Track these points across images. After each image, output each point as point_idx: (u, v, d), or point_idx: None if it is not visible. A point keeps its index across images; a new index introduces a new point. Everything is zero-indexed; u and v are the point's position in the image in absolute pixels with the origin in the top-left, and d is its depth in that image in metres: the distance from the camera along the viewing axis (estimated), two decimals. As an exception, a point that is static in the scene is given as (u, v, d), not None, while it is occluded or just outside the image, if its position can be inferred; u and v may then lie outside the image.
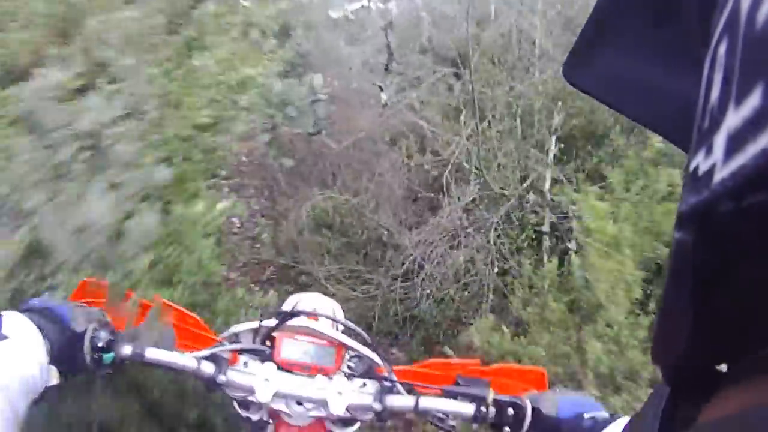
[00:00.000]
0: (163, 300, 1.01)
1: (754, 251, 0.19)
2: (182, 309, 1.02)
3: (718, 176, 0.19)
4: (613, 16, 0.43)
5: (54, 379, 0.79)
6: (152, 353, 0.88)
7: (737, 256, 0.20)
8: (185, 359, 0.90)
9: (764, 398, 0.20)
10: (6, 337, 0.72)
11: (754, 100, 0.17)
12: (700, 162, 0.21)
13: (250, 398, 0.95)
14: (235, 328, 1.01)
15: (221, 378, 0.91)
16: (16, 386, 0.68)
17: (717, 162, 0.19)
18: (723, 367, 0.23)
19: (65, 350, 0.81)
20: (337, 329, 1.05)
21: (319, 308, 1.13)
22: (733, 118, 0.19)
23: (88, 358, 0.83)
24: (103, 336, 0.85)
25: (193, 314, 1.03)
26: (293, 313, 1.00)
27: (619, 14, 0.42)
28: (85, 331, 0.83)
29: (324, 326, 1.01)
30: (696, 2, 0.30)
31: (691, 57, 0.30)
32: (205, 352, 0.93)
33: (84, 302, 0.94)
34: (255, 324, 1.00)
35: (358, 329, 1.01)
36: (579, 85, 0.47)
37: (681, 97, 0.34)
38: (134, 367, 1.16)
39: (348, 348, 1.00)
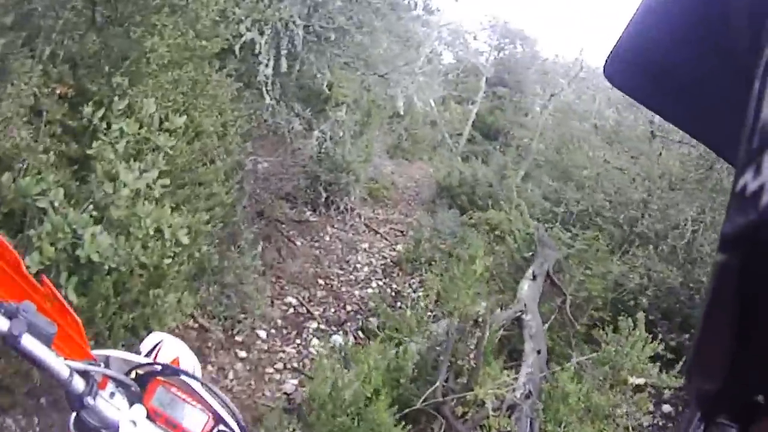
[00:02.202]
0: (51, 285, 0.87)
1: None
2: (67, 305, 0.88)
3: (767, 198, 0.18)
4: (657, 18, 0.42)
5: None
6: (28, 342, 0.75)
7: None
8: (59, 365, 0.79)
9: None
10: None
11: None
12: (749, 182, 0.20)
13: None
14: (112, 353, 0.95)
15: (89, 401, 0.82)
16: None
17: (766, 182, 0.19)
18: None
19: None
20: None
21: (182, 357, 1.05)
22: None
23: None
24: None
25: (76, 316, 0.89)
26: (181, 371, 0.94)
27: (663, 16, 0.41)
28: None
29: (204, 391, 0.94)
30: (746, 11, 0.29)
31: (738, 64, 0.30)
32: (81, 365, 0.83)
33: None
34: (135, 358, 0.95)
35: (234, 408, 0.96)
36: (622, 88, 0.47)
37: (725, 104, 0.33)
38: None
39: (221, 422, 0.94)
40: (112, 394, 0.89)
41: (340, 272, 5.37)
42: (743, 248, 0.20)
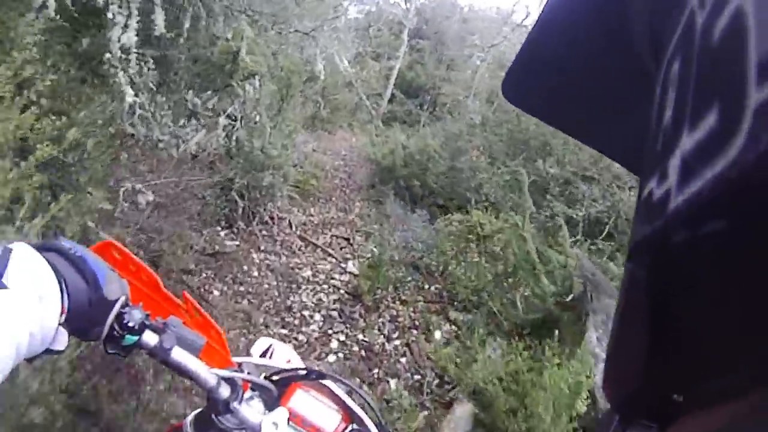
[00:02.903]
0: (193, 301, 0.92)
1: (708, 282, 0.18)
2: (209, 317, 0.94)
3: (673, 203, 0.18)
4: (555, 34, 0.40)
5: (61, 343, 0.65)
6: (178, 355, 0.79)
7: (692, 288, 0.19)
8: (207, 373, 0.83)
9: (713, 427, 0.20)
10: (4, 287, 0.57)
11: (709, 122, 0.16)
12: (654, 188, 0.20)
13: None
14: (250, 359, 1.01)
15: (235, 405, 0.86)
16: (6, 347, 0.55)
17: (671, 188, 0.18)
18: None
19: (83, 313, 0.68)
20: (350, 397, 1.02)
21: (293, 360, 1.10)
22: (688, 141, 0.17)
23: (105, 332, 0.73)
24: (137, 316, 0.75)
25: (219, 327, 0.94)
26: (324, 374, 0.99)
27: (561, 32, 0.39)
28: (115, 302, 0.72)
29: (340, 391, 1.00)
30: (646, 16, 0.28)
31: (639, 76, 0.29)
32: (227, 373, 0.86)
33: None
34: (275, 364, 1.02)
35: (373, 404, 0.99)
36: (520, 105, 0.46)
37: (630, 118, 0.33)
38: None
39: (354, 421, 0.98)
40: (250, 398, 0.91)
41: (284, 331, 3.68)
42: (651, 255, 0.20)
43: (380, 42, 14.44)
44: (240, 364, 0.94)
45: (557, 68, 0.40)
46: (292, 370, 0.98)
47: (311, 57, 6.60)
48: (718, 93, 0.16)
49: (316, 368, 0.98)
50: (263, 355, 1.09)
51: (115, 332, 0.73)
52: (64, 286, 0.64)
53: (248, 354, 1.10)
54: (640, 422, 0.24)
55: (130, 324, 0.73)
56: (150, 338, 0.77)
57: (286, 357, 1.09)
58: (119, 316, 0.73)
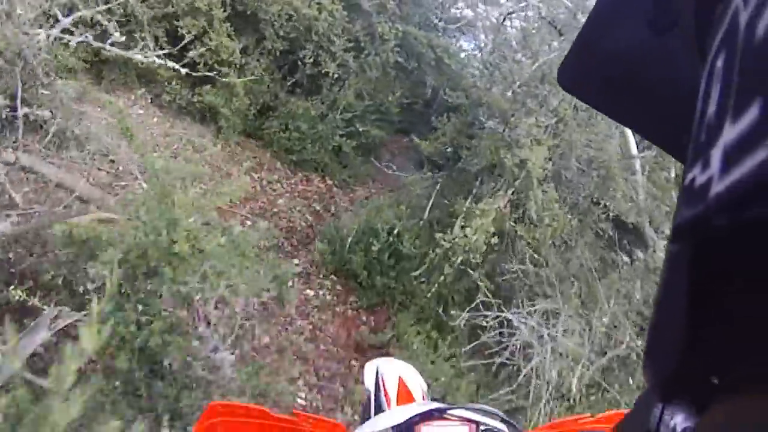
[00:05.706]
0: (303, 413, 1.08)
1: (748, 267, 0.18)
2: (324, 418, 1.07)
3: (714, 190, 0.19)
4: (610, 25, 0.42)
5: None
6: None
7: (732, 272, 0.19)
8: None
9: (749, 416, 0.20)
10: None
11: (751, 114, 0.17)
12: (697, 175, 0.21)
13: None
14: (377, 426, 1.09)
15: None
16: None
17: (713, 176, 0.19)
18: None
19: None
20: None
21: (404, 375, 1.17)
22: (730, 132, 0.18)
23: None
24: None
25: (336, 422, 1.09)
26: (437, 410, 1.04)
27: (617, 23, 0.41)
28: None
29: (455, 409, 1.06)
30: (692, 13, 0.29)
31: (687, 67, 0.31)
32: None
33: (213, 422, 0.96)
34: (381, 424, 1.07)
35: (486, 407, 1.05)
36: (572, 91, 0.48)
37: (677, 106, 0.33)
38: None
39: (479, 424, 1.04)
40: None
41: None
42: (690, 239, 0.20)
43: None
44: None
45: (607, 57, 0.41)
46: (405, 422, 1.01)
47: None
48: (761, 88, 0.17)
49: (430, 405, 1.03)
50: (377, 380, 1.16)
51: None
52: None
53: (362, 383, 1.23)
54: (678, 403, 0.25)
55: None
56: None
57: (395, 374, 1.14)
58: None
